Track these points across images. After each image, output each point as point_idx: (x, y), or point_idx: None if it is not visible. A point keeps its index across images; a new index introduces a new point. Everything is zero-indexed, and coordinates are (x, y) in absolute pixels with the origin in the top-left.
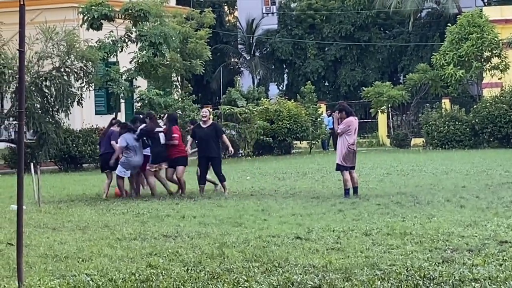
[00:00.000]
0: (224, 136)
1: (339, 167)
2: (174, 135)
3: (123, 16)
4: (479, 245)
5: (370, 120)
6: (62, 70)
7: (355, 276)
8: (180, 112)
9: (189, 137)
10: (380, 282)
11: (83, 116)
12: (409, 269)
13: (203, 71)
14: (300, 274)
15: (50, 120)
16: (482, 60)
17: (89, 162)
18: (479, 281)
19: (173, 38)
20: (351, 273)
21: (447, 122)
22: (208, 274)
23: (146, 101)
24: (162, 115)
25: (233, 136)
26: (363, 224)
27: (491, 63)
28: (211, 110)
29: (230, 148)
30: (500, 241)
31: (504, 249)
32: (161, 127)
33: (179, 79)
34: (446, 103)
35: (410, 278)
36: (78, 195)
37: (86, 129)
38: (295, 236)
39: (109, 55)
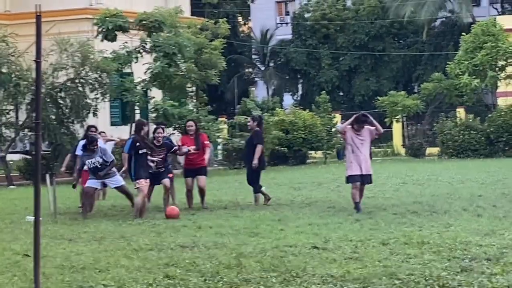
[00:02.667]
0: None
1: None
2: (206, 142)
3: (137, 27)
4: (498, 254)
5: (385, 129)
6: (77, 81)
7: (373, 285)
8: None
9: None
10: None
11: (99, 127)
12: (427, 278)
13: (218, 82)
14: (318, 284)
15: (65, 131)
16: (497, 69)
17: None
18: None
19: (188, 48)
20: (370, 283)
21: (462, 131)
22: (226, 284)
23: (161, 112)
24: (176, 126)
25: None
26: (380, 234)
27: (506, 72)
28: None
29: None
30: None
31: None
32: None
33: (194, 89)
34: (461, 112)
35: (428, 287)
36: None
37: None
38: (312, 246)
39: (124, 66)
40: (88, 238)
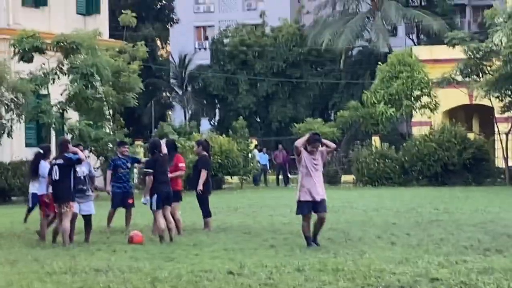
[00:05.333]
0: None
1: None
2: (181, 164)
3: (55, 49)
4: (411, 282)
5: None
6: None
7: None
8: (111, 146)
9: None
10: None
11: (13, 148)
12: None
13: (136, 105)
14: None
15: None
16: (412, 98)
17: (18, 195)
18: None
19: (106, 70)
20: None
21: (377, 160)
22: None
23: (76, 133)
24: (92, 148)
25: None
26: (296, 260)
27: (421, 102)
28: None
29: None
30: (431, 278)
31: (436, 286)
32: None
33: (111, 112)
34: (376, 140)
35: None
36: (6, 228)
37: (15, 161)
38: (227, 271)
39: (40, 87)
40: (1, 261)
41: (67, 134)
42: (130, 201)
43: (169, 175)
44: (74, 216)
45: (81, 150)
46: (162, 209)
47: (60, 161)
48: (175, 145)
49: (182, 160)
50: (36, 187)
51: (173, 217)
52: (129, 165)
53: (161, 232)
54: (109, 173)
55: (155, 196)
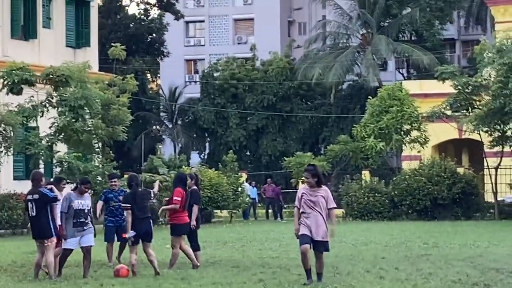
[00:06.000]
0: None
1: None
2: (175, 197)
3: (44, 81)
4: None
5: (291, 190)
6: None
7: None
8: (100, 179)
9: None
10: None
11: (1, 181)
12: None
13: (126, 138)
14: None
15: None
16: (402, 133)
17: (6, 228)
18: None
19: (96, 102)
20: None
21: (366, 194)
22: None
23: (65, 166)
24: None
25: (153, 204)
26: None
27: (411, 136)
28: (193, 175)
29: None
30: None
31: None
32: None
33: (100, 145)
34: (366, 174)
35: None
36: None
37: (3, 194)
38: None
39: (29, 119)
40: None
41: (55, 167)
42: (124, 235)
43: (164, 207)
44: (67, 252)
45: (77, 188)
46: (142, 245)
47: (36, 196)
48: (184, 179)
49: (180, 194)
50: None
51: (181, 249)
52: (120, 198)
53: (133, 267)
54: (100, 203)
55: (132, 232)
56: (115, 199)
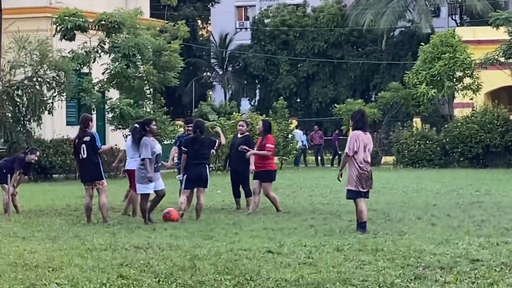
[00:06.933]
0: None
1: (352, 194)
2: (268, 145)
3: (96, 27)
4: (451, 263)
5: (341, 137)
6: (35, 79)
7: None
8: None
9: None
10: None
11: (54, 126)
12: (381, 285)
13: (177, 84)
14: (272, 287)
15: (21, 129)
16: (454, 80)
17: (59, 172)
18: None
19: (148, 49)
20: None
21: (418, 141)
22: (180, 286)
23: (117, 112)
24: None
25: (213, 154)
26: (335, 240)
27: (463, 83)
28: (248, 121)
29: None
30: (471, 260)
31: (476, 267)
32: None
33: (151, 91)
34: (417, 122)
35: None
36: (48, 205)
37: (57, 139)
38: (266, 250)
39: (82, 65)
40: (42, 237)
41: (108, 113)
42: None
43: (253, 151)
44: (148, 196)
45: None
46: (196, 190)
47: (87, 138)
48: (270, 125)
49: (273, 141)
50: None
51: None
52: None
53: (180, 210)
54: (174, 148)
55: (184, 176)
56: None
